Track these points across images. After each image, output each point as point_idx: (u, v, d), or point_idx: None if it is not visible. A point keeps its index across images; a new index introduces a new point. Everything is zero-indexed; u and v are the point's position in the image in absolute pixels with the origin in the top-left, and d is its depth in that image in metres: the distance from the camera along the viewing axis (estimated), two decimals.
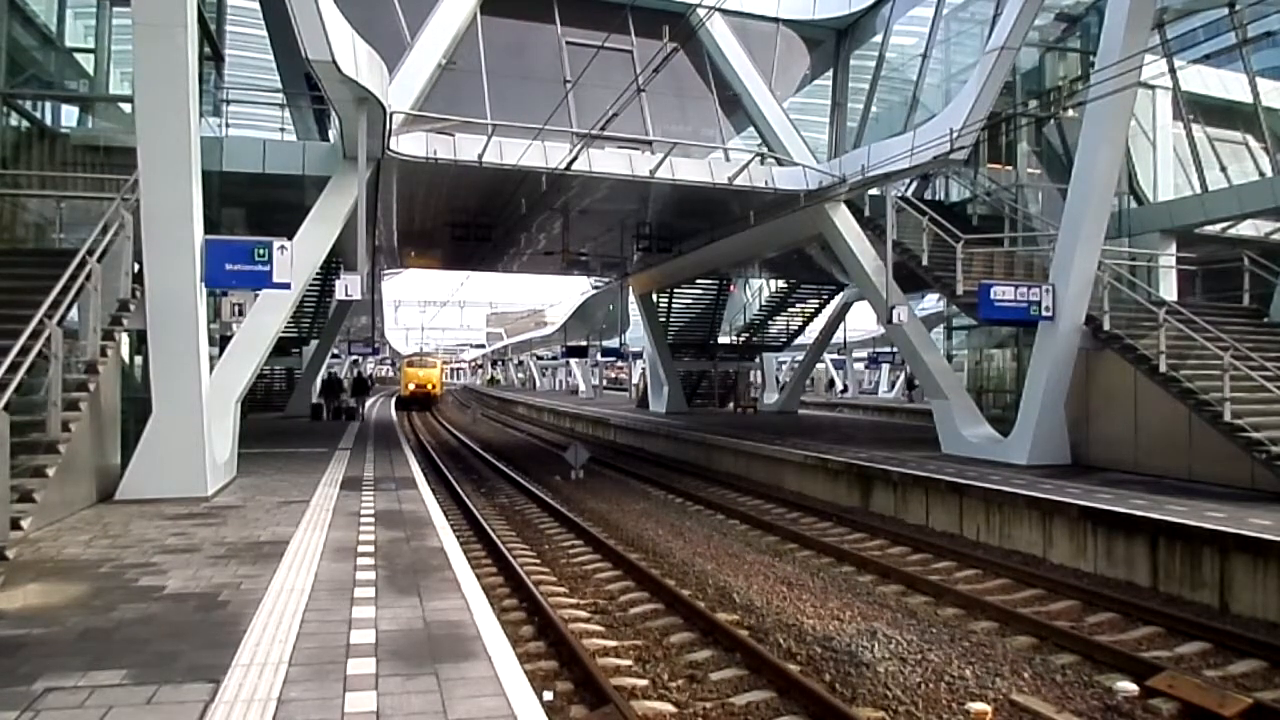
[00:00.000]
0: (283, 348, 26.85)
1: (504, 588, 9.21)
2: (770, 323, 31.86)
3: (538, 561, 10.70)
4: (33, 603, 5.40)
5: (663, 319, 30.28)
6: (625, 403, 41.92)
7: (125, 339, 10.10)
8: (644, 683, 6.48)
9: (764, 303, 31.32)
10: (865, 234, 17.36)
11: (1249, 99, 16.19)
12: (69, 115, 14.90)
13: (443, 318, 73.78)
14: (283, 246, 10.32)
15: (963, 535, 11.99)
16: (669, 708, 6.07)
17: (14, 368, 7.02)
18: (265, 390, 29.31)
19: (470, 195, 18.04)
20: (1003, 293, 13.45)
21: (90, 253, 8.87)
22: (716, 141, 17.74)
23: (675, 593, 8.70)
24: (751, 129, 18.22)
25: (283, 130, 16.64)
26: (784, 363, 47.23)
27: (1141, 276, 15.60)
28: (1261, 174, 16.46)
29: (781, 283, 29.90)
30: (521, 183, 15.83)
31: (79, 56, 14.54)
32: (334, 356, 38.06)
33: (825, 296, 30.05)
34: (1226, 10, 15.67)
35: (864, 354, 53.45)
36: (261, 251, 10.17)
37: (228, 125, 15.10)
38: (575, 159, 14.63)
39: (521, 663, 4.62)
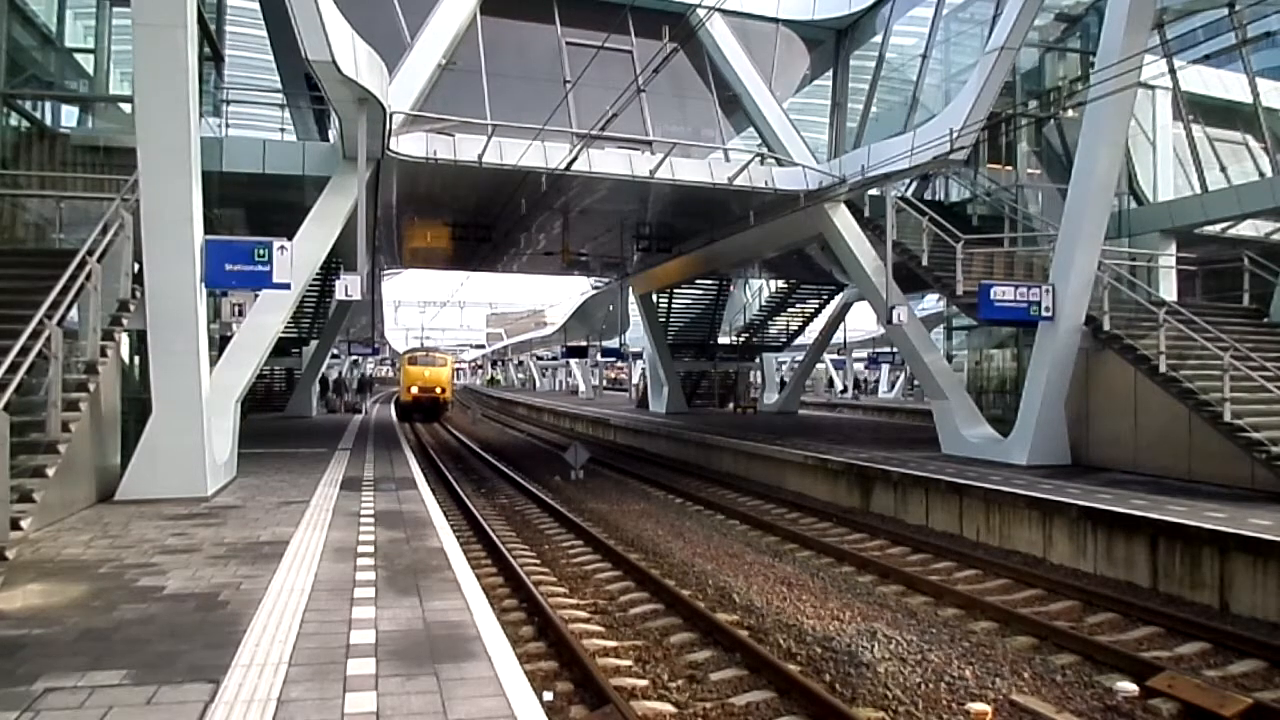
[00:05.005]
0: (283, 348, 26.86)
1: (504, 588, 9.21)
2: (770, 323, 31.87)
3: (538, 562, 10.70)
4: (33, 603, 5.40)
5: (663, 319, 30.30)
6: (625, 403, 41.92)
7: (125, 339, 10.10)
8: (644, 683, 6.48)
9: (764, 303, 31.34)
10: (865, 234, 17.36)
11: (1249, 99, 16.19)
12: (69, 115, 14.90)
13: (443, 318, 73.74)
14: (283, 247, 10.33)
15: (963, 535, 11.99)
16: (669, 708, 6.06)
17: (14, 368, 7.02)
18: (265, 390, 29.32)
19: (470, 195, 18.03)
20: (1003, 293, 13.45)
21: (90, 253, 8.88)
22: (716, 142, 17.74)
23: (675, 593, 8.69)
24: (751, 129, 18.21)
25: (283, 130, 16.67)
26: (784, 363, 47.23)
27: (1141, 276, 15.61)
28: (1261, 174, 16.47)
29: (781, 283, 29.91)
30: (521, 183, 15.83)
31: (79, 56, 14.54)
32: (334, 357, 37.93)
33: (825, 297, 30.06)
34: (1226, 10, 15.67)
35: (864, 354, 53.52)
36: (261, 252, 10.18)
37: (228, 125, 15.11)
38: (575, 159, 14.62)
39: (521, 663, 4.62)
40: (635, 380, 46.54)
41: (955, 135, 13.62)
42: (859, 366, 56.94)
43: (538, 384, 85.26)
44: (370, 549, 7.15)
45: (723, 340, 31.98)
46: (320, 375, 31.82)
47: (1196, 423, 11.81)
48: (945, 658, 6.80)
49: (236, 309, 13.78)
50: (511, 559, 10.14)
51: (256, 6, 16.43)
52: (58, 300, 8.09)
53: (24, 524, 6.81)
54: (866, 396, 51.73)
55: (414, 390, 38.20)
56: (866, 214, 17.68)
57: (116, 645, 4.61)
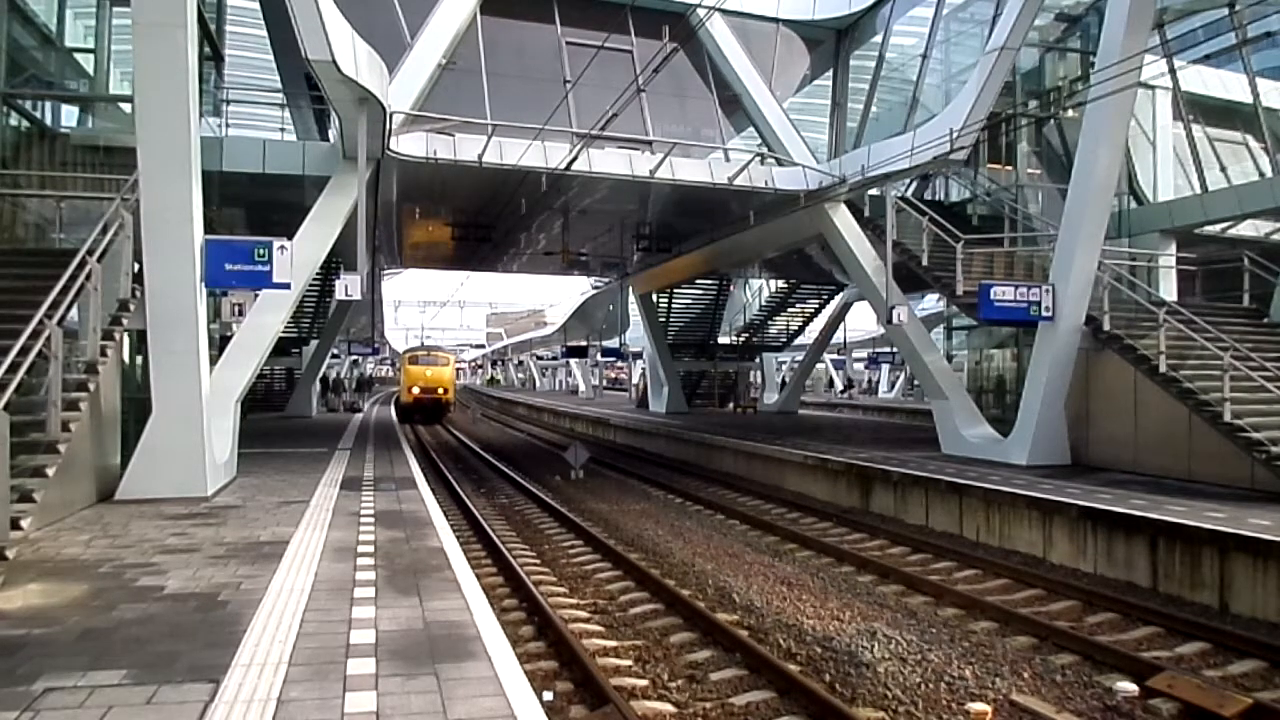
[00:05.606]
0: (283, 348, 26.87)
1: (504, 588, 9.21)
2: (770, 323, 31.89)
3: (538, 561, 10.70)
4: (33, 603, 5.40)
5: (663, 319, 30.31)
6: (625, 403, 41.91)
7: (125, 339, 10.10)
8: (644, 683, 6.48)
9: (764, 303, 31.35)
10: (865, 234, 17.36)
11: (1249, 99, 16.19)
12: (69, 115, 14.90)
13: (443, 318, 73.69)
14: (283, 246, 10.33)
15: (963, 535, 11.99)
16: (669, 708, 6.06)
17: (14, 368, 7.02)
18: (265, 390, 29.31)
19: (470, 195, 18.04)
20: (1003, 293, 13.45)
21: (90, 253, 8.88)
22: (716, 141, 17.75)
23: (675, 593, 8.69)
24: (751, 129, 18.22)
25: (283, 130, 16.68)
26: (784, 363, 47.25)
27: (1141, 276, 15.60)
28: (1261, 174, 16.47)
29: (781, 283, 29.92)
30: (521, 183, 15.83)
31: (79, 56, 14.54)
32: (334, 356, 37.87)
33: (825, 296, 30.07)
34: (1226, 10, 15.67)
35: (864, 354, 53.53)
36: (261, 251, 10.18)
37: (228, 125, 15.12)
38: (575, 159, 14.63)
39: (521, 663, 4.63)
40: (635, 380, 46.52)
41: (955, 135, 13.62)
42: (857, 366, 56.95)
43: (538, 384, 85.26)
44: (370, 549, 7.15)
45: (723, 340, 31.98)
46: (320, 375, 31.85)
47: (1196, 423, 11.81)
48: (945, 658, 6.80)
49: (236, 309, 13.79)
50: (511, 559, 10.14)
51: (256, 6, 16.43)
52: (58, 300, 8.08)
53: (24, 524, 6.82)
54: (862, 396, 51.77)
55: (415, 391, 37.29)
56: (866, 214, 17.68)
57: (116, 645, 4.61)
